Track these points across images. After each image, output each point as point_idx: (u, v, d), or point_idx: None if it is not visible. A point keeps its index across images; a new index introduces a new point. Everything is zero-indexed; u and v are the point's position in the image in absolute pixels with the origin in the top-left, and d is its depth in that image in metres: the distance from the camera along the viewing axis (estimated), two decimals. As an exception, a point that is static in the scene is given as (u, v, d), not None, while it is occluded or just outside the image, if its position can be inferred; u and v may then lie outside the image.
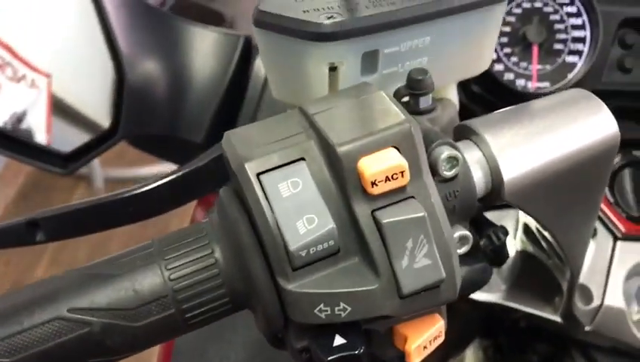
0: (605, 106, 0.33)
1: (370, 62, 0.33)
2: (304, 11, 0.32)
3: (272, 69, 0.34)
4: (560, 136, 0.32)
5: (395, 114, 0.28)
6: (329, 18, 0.31)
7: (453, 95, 0.39)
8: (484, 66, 0.37)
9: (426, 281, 0.27)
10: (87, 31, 0.65)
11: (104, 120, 0.65)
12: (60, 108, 0.63)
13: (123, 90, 0.63)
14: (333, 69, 0.32)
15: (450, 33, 0.34)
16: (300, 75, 0.33)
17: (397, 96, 0.32)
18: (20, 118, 0.61)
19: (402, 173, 0.26)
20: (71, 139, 0.63)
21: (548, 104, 0.34)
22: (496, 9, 0.34)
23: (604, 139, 0.33)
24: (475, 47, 0.36)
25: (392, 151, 0.26)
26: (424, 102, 0.32)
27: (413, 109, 0.32)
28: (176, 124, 0.63)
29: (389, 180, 0.26)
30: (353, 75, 0.33)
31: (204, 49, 0.64)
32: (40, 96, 0.62)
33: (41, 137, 0.62)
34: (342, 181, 0.27)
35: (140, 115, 0.63)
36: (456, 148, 0.30)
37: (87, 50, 0.66)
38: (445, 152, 0.29)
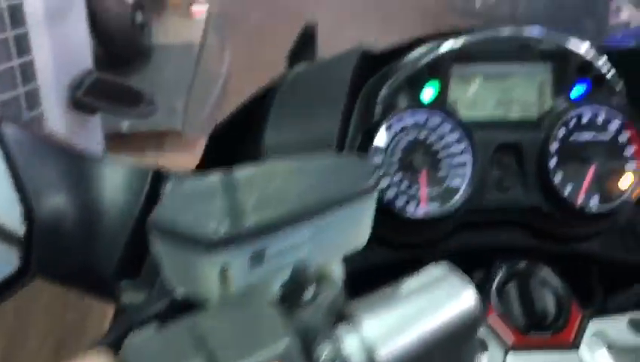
0: (468, 281, 0.38)
1: (257, 259, 0.36)
2: (195, 218, 0.35)
3: (166, 266, 0.37)
4: (429, 314, 0.37)
5: (279, 329, 0.31)
6: (218, 226, 0.34)
7: (337, 267, 0.43)
8: (365, 239, 0.41)
9: None
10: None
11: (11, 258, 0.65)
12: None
13: (32, 227, 0.64)
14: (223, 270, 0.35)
15: (329, 225, 0.37)
16: (193, 276, 0.36)
17: (283, 289, 0.36)
18: None
19: (284, 388, 0.29)
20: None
21: (418, 284, 0.38)
22: (369, 196, 0.39)
23: (467, 311, 0.37)
24: (354, 228, 0.40)
25: None
26: (307, 294, 0.36)
27: (297, 302, 0.36)
28: (87, 258, 0.64)
29: (273, 395, 0.29)
30: (242, 271, 0.36)
31: (113, 182, 0.66)
32: None
33: None
34: None
35: (52, 251, 0.64)
36: (335, 341, 0.34)
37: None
38: (326, 350, 0.33)
